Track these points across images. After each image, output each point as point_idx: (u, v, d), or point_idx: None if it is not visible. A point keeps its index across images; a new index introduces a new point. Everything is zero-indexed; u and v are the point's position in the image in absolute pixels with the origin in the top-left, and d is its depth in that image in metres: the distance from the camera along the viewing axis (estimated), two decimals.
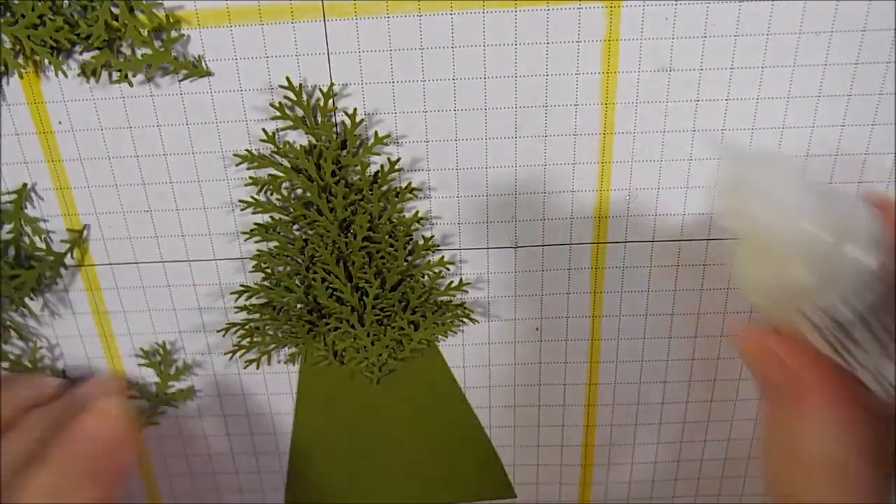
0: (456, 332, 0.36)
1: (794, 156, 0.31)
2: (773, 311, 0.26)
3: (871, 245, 0.23)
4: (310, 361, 0.36)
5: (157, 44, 0.29)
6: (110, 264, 0.35)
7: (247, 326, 0.35)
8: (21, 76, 0.30)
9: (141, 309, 0.36)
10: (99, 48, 0.29)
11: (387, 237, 0.33)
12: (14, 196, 0.33)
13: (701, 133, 0.31)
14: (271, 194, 0.32)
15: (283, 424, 0.39)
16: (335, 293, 0.34)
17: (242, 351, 0.35)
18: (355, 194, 0.32)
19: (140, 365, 0.37)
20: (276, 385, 0.38)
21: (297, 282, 0.34)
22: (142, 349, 0.37)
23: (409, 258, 0.33)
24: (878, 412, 0.25)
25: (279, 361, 0.37)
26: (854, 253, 0.23)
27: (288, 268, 0.34)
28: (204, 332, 0.36)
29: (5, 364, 0.36)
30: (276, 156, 0.31)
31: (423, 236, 0.33)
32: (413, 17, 0.29)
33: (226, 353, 0.36)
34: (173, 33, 0.29)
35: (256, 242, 0.34)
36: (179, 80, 0.30)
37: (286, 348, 0.36)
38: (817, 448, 0.24)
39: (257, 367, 0.37)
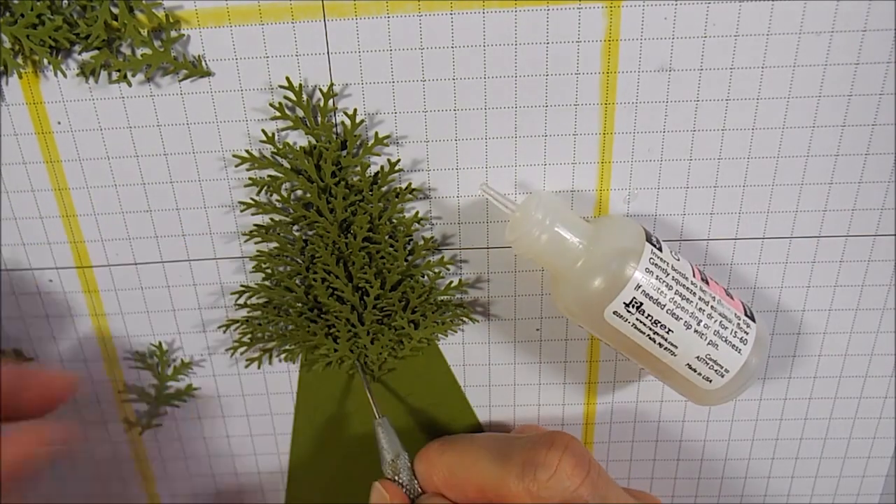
0: (456, 332, 0.36)
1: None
2: (583, 322, 0.30)
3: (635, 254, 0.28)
4: (310, 361, 0.36)
5: (156, 44, 0.29)
6: (109, 265, 0.35)
7: (247, 322, 0.35)
8: (20, 76, 0.30)
9: (140, 310, 0.36)
10: (98, 48, 0.29)
11: (387, 238, 0.33)
12: None
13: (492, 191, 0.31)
14: (271, 195, 0.32)
15: (283, 425, 0.39)
16: (335, 293, 0.34)
17: (243, 348, 0.35)
18: (355, 195, 0.32)
19: (135, 367, 0.37)
20: (276, 385, 0.37)
21: (297, 282, 0.34)
22: (136, 352, 0.36)
23: (410, 258, 0.33)
24: None
25: (279, 360, 0.37)
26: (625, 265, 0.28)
27: (288, 268, 0.34)
28: (204, 332, 0.36)
29: None
30: (276, 157, 0.31)
31: (423, 237, 0.33)
32: (413, 17, 0.29)
33: (226, 350, 0.36)
34: (173, 33, 0.29)
35: (256, 243, 0.34)
36: (179, 80, 0.30)
37: (286, 345, 0.36)
38: None
39: (258, 367, 0.37)
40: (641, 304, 0.28)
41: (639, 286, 0.28)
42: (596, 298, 0.28)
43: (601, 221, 0.30)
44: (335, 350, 0.35)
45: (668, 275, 0.28)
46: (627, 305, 0.28)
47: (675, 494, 0.40)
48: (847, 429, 0.38)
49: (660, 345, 0.28)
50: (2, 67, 0.30)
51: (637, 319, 0.28)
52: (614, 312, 0.28)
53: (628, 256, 0.28)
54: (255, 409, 0.38)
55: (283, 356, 0.36)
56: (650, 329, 0.28)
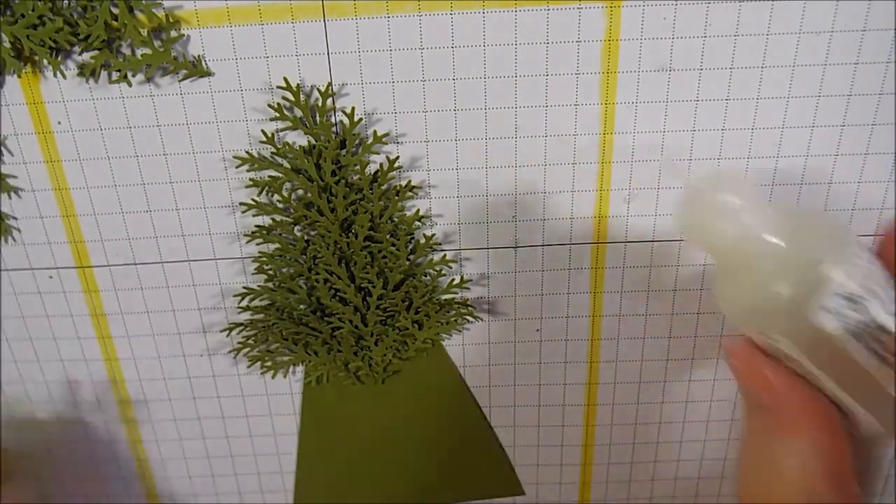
0: (460, 331, 0.35)
1: (752, 179, 0.31)
2: (758, 329, 0.25)
3: (849, 260, 0.23)
4: (314, 365, 0.36)
5: (156, 44, 0.29)
6: (109, 266, 0.34)
7: (250, 326, 0.35)
8: (20, 76, 0.30)
9: (139, 310, 0.36)
10: (98, 48, 0.29)
11: (388, 236, 0.32)
12: None
13: (667, 158, 0.31)
14: (272, 195, 0.32)
15: (283, 425, 0.39)
16: (338, 294, 0.34)
17: (247, 349, 0.35)
18: (355, 193, 0.32)
19: None
20: (276, 386, 0.37)
21: (300, 283, 0.34)
22: None
23: (412, 257, 0.33)
24: (853, 437, 0.25)
25: (281, 370, 0.37)
26: (830, 269, 0.23)
27: (291, 269, 0.34)
28: (203, 333, 0.36)
29: None
30: (276, 157, 0.31)
31: (424, 235, 0.33)
32: (413, 17, 0.29)
33: (230, 352, 0.36)
34: (173, 33, 0.29)
35: (258, 244, 0.34)
36: (179, 80, 0.30)
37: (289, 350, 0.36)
38: (793, 471, 0.25)
39: (261, 369, 0.36)
40: (852, 294, 0.23)
41: (840, 291, 0.23)
42: (788, 302, 0.23)
43: (799, 217, 0.25)
44: (345, 366, 0.35)
45: (870, 279, 0.24)
46: (837, 297, 0.23)
47: (676, 494, 0.40)
48: None
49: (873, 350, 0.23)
50: (3, 67, 0.30)
51: (848, 316, 0.23)
52: (821, 307, 0.23)
53: (828, 262, 0.23)
54: (254, 410, 0.38)
55: (281, 367, 0.36)
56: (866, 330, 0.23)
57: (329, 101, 0.30)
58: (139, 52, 0.29)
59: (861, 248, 0.24)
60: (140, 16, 0.29)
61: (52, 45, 0.29)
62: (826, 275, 0.23)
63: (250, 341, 0.35)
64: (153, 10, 0.28)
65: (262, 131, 0.31)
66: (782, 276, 0.24)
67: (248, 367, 0.36)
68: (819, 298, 0.23)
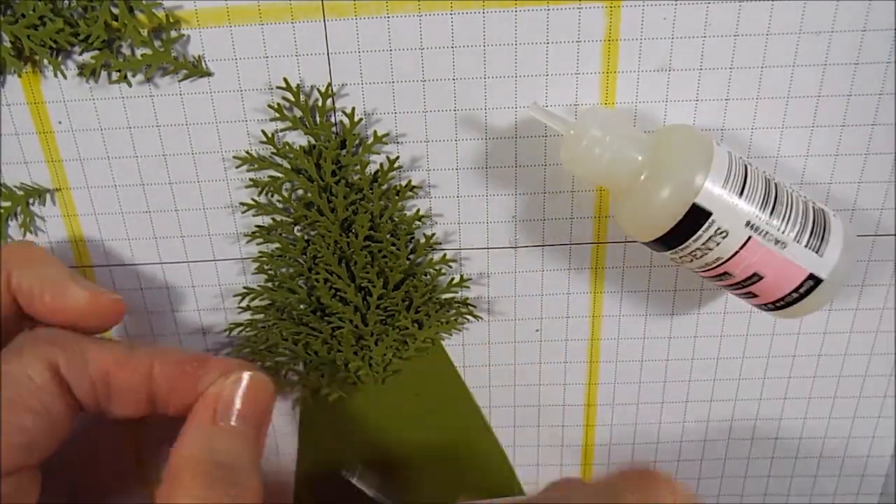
0: (460, 330, 0.36)
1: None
2: (652, 236, 0.28)
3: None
4: (313, 366, 0.36)
5: (156, 44, 0.29)
6: (109, 266, 0.35)
7: (250, 326, 0.35)
8: (20, 76, 0.30)
9: (139, 311, 0.36)
10: (98, 48, 0.29)
11: (388, 236, 0.33)
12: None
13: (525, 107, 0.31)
14: (272, 196, 0.32)
15: (283, 424, 0.39)
16: (338, 294, 0.34)
17: (247, 349, 0.35)
18: (356, 193, 0.32)
19: None
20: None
21: (300, 283, 0.34)
22: None
23: (412, 257, 0.33)
24: None
25: (284, 377, 0.37)
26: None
27: (291, 269, 0.34)
28: (203, 334, 0.36)
29: None
30: (276, 157, 0.31)
31: (424, 234, 0.33)
32: (413, 17, 0.29)
33: (230, 352, 0.36)
34: (173, 33, 0.29)
35: (258, 244, 0.34)
36: (179, 81, 0.30)
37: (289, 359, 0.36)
38: None
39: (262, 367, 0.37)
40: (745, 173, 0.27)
41: (715, 181, 0.26)
42: (668, 207, 0.26)
43: (663, 131, 0.28)
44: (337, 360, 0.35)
45: (742, 167, 0.27)
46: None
47: None
48: (846, 428, 0.38)
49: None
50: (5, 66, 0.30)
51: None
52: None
53: (696, 163, 0.26)
54: None
55: (286, 363, 0.36)
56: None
57: (329, 101, 0.30)
58: (139, 52, 0.29)
59: (726, 154, 0.27)
60: (140, 16, 0.29)
61: (53, 45, 0.29)
62: (696, 182, 0.26)
63: (250, 341, 0.35)
64: (153, 10, 0.28)
65: (263, 131, 0.31)
66: (658, 186, 0.27)
67: None
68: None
